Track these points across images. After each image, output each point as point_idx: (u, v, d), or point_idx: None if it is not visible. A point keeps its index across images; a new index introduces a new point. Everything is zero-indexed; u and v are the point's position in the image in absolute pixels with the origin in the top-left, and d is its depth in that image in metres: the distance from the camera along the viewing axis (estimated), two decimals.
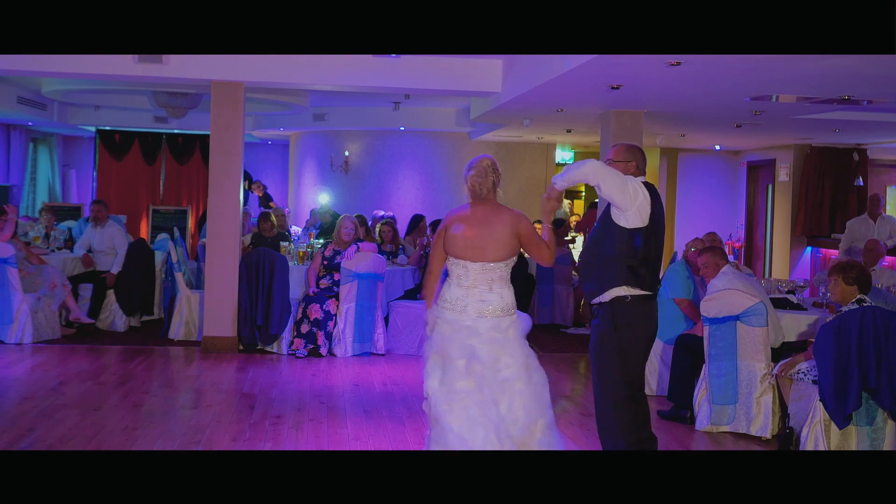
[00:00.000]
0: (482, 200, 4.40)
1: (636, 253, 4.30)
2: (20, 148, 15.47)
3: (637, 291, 4.33)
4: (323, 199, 14.10)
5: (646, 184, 4.40)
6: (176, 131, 14.89)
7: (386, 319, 8.76)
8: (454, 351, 4.22)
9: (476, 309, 4.25)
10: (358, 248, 8.50)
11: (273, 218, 10.16)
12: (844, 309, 5.34)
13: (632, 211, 4.28)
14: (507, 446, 4.12)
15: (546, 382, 4.31)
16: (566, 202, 14.94)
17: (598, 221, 4.50)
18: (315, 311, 8.38)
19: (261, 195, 15.21)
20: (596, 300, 4.42)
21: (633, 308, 4.34)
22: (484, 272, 4.29)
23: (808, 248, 12.82)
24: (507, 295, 4.33)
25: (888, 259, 9.10)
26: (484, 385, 4.18)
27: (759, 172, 14.33)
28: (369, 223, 11.12)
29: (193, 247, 12.05)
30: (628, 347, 4.36)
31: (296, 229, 12.23)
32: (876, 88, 6.98)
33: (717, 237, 7.61)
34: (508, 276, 4.37)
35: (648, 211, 4.31)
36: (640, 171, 4.50)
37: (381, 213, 12.50)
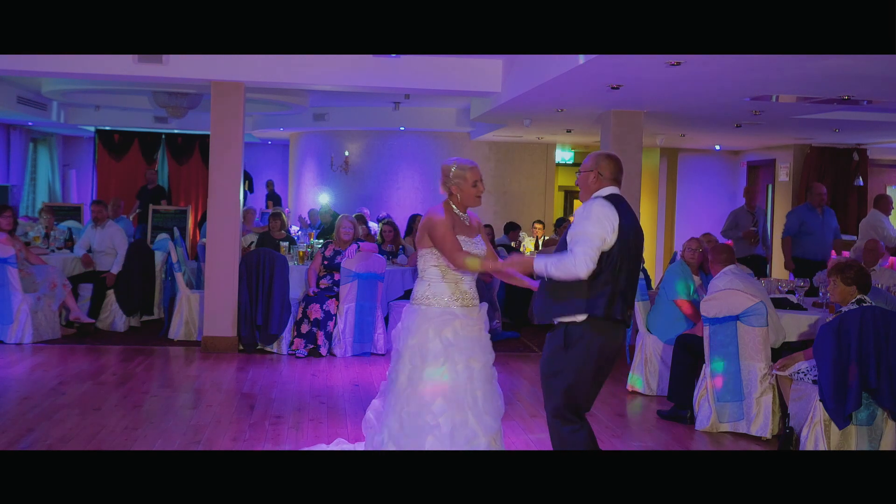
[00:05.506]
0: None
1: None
2: (20, 148, 15.47)
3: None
4: (323, 199, 14.10)
5: (612, 197, 4.05)
6: (176, 131, 14.90)
7: (386, 319, 8.76)
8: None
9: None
10: (359, 247, 8.51)
11: (284, 217, 10.18)
12: (844, 309, 5.34)
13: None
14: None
15: (395, 409, 4.32)
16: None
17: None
18: (315, 311, 8.38)
19: (269, 191, 15.32)
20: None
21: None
22: (418, 258, 4.46)
23: None
24: (435, 286, 4.34)
25: (889, 259, 9.11)
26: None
27: (759, 172, 14.33)
28: (375, 223, 11.16)
29: (193, 247, 12.06)
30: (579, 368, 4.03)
31: (294, 229, 12.26)
32: (876, 88, 6.98)
33: (712, 237, 7.61)
34: (441, 270, 4.33)
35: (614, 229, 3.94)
36: (603, 178, 4.08)
37: (385, 214, 12.55)
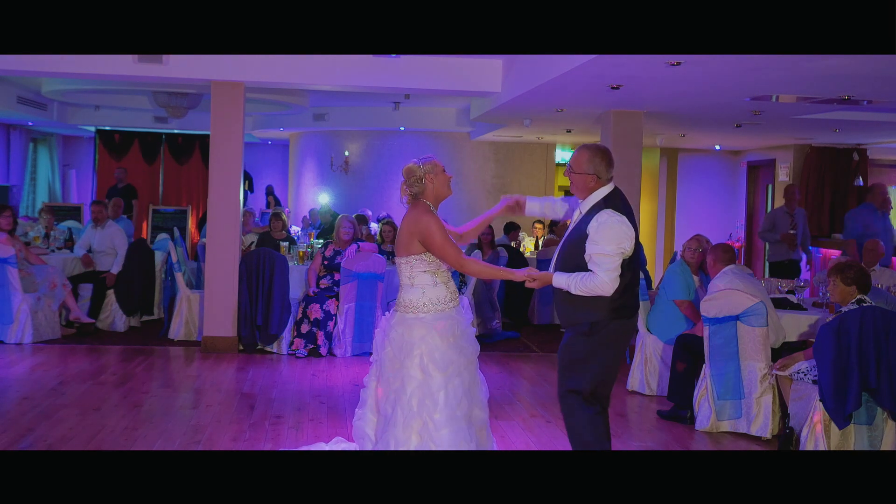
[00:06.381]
0: (411, 201, 4.36)
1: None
2: (20, 148, 15.48)
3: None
4: (323, 199, 14.10)
5: (615, 198, 4.14)
6: (176, 131, 14.91)
7: None
8: (377, 346, 4.43)
9: (396, 303, 4.34)
10: (358, 247, 8.51)
11: (284, 217, 10.19)
12: (844, 309, 5.34)
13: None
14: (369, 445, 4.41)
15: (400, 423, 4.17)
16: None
17: (566, 255, 4.20)
18: (315, 311, 8.38)
19: (270, 198, 15.35)
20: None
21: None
22: (399, 266, 4.32)
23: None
24: (430, 292, 4.24)
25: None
26: (381, 383, 4.34)
27: (759, 172, 14.34)
28: (375, 223, 11.16)
29: (193, 247, 12.08)
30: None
31: (295, 229, 12.26)
32: (876, 88, 6.98)
33: (702, 238, 7.57)
34: (433, 274, 4.26)
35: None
36: (601, 180, 4.14)
37: (385, 214, 12.55)
